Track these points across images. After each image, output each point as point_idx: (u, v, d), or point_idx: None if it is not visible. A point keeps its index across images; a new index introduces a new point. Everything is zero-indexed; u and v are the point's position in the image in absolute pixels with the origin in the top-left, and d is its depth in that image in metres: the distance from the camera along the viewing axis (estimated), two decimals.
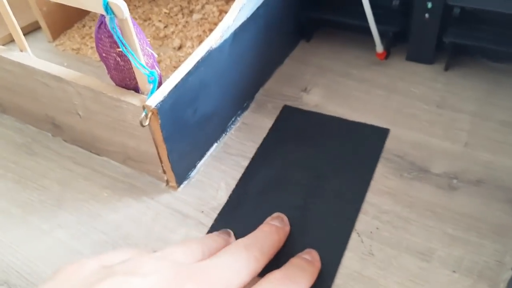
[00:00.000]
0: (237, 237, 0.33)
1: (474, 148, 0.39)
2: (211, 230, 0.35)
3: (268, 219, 0.34)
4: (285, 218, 0.34)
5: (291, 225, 0.34)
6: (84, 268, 0.25)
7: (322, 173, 0.38)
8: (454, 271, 0.31)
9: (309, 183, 0.37)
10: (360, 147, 0.39)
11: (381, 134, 0.40)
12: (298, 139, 0.41)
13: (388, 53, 0.48)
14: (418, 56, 0.47)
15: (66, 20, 0.56)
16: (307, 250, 0.32)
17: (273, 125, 0.43)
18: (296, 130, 0.42)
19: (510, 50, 0.42)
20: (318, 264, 0.31)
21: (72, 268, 0.25)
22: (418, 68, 0.47)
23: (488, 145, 0.39)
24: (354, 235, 0.34)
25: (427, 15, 0.43)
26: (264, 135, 0.42)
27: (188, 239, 0.30)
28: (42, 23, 0.55)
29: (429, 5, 0.43)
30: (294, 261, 0.31)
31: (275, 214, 0.34)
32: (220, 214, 0.36)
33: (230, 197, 0.37)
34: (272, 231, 0.32)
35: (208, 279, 0.26)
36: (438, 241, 0.33)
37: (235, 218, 0.36)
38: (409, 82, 0.45)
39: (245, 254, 0.28)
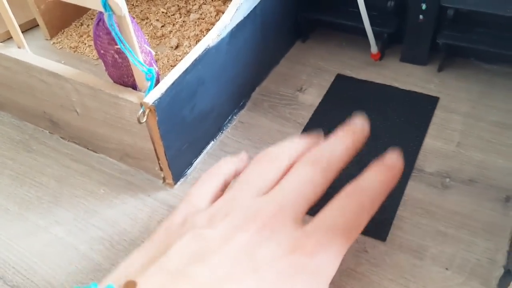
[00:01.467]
0: None
1: (466, 148, 0.39)
2: None
3: (346, 123, 0.33)
4: (363, 120, 0.33)
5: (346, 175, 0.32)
6: (173, 224, 0.28)
7: (376, 133, 0.39)
8: (446, 269, 0.32)
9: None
10: (412, 112, 0.42)
11: (431, 101, 0.43)
12: (352, 104, 0.44)
13: (382, 54, 0.48)
14: (412, 57, 0.47)
15: (64, 18, 0.57)
16: (390, 154, 0.31)
17: (327, 92, 0.46)
18: (349, 96, 0.45)
19: (503, 52, 0.43)
20: (399, 167, 0.30)
21: (165, 224, 0.29)
22: (412, 69, 0.47)
23: (480, 145, 0.39)
24: None
25: (421, 17, 0.44)
26: (261, 134, 0.42)
27: (266, 156, 0.31)
28: (40, 21, 0.55)
29: (424, 6, 0.43)
30: (373, 167, 0.30)
31: (353, 117, 0.33)
32: None
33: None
34: (346, 134, 0.32)
35: (275, 211, 0.27)
36: (431, 238, 0.33)
37: None
38: (403, 83, 0.46)
39: (309, 171, 0.29)
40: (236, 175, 0.32)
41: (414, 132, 0.41)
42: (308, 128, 0.42)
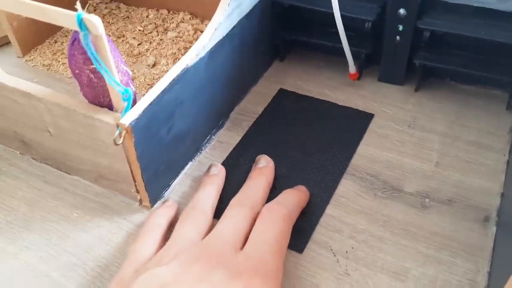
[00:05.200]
0: (231, 195, 0.36)
1: (444, 168, 0.40)
2: None
3: (253, 166, 0.39)
4: (267, 157, 0.39)
5: (277, 189, 0.38)
6: (124, 276, 0.30)
7: (309, 149, 0.42)
8: None
9: (296, 156, 0.41)
10: (346, 127, 0.44)
11: (366, 117, 0.45)
12: (291, 118, 0.45)
13: (360, 74, 0.49)
14: (389, 77, 0.48)
15: (37, 36, 0.55)
16: (296, 186, 0.38)
17: (268, 104, 0.47)
18: (288, 111, 0.46)
19: (477, 73, 0.43)
20: (306, 192, 0.37)
21: (116, 279, 0.31)
22: (389, 89, 0.48)
23: (457, 165, 0.40)
24: (329, 255, 0.34)
25: (398, 38, 0.45)
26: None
27: (194, 209, 0.35)
28: (12, 38, 0.53)
29: (400, 28, 0.44)
30: (285, 191, 0.36)
31: (258, 157, 0.40)
32: None
33: (223, 162, 0.41)
34: (258, 175, 0.37)
35: (215, 249, 0.31)
36: (412, 260, 0.33)
37: (228, 180, 0.39)
38: (381, 103, 0.46)
39: (240, 210, 0.34)
40: (170, 221, 0.35)
41: (346, 145, 0.42)
42: (245, 141, 0.43)
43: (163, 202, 0.37)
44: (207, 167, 0.41)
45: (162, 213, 0.36)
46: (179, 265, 0.29)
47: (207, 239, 0.32)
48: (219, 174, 0.39)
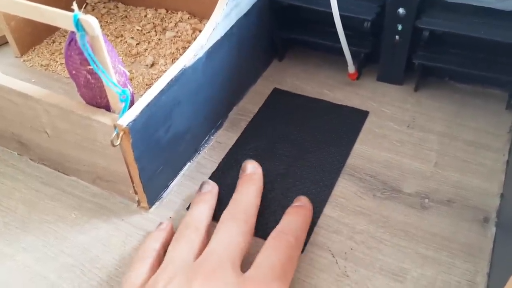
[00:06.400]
0: (230, 196, 0.36)
1: (443, 168, 0.39)
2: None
3: (241, 173, 0.38)
4: (254, 162, 0.38)
5: (275, 189, 0.38)
6: None
7: (305, 147, 0.42)
8: None
9: (293, 155, 0.41)
10: (342, 125, 0.44)
11: (361, 114, 0.45)
12: (285, 117, 0.45)
13: (359, 74, 0.49)
14: (388, 77, 0.48)
15: (35, 35, 0.55)
16: (297, 198, 0.36)
17: (263, 104, 0.46)
18: (284, 109, 0.46)
19: (477, 72, 0.43)
20: (309, 206, 0.36)
21: None
22: (388, 89, 0.48)
23: (456, 165, 0.40)
24: (328, 256, 0.34)
25: (397, 37, 0.44)
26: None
27: (187, 228, 0.33)
28: (10, 38, 0.53)
29: (399, 27, 0.44)
30: (288, 211, 0.35)
31: (243, 164, 0.38)
32: (211, 176, 0.40)
33: (220, 163, 0.41)
34: (247, 183, 0.36)
35: (212, 267, 0.29)
36: (411, 261, 0.33)
37: (225, 180, 0.39)
38: (380, 103, 0.46)
39: (234, 224, 0.33)
40: (165, 245, 0.33)
41: (341, 144, 0.42)
42: (242, 140, 0.43)
43: (158, 226, 0.35)
44: (205, 167, 0.41)
45: (156, 237, 0.34)
46: None
47: (202, 257, 0.30)
48: (211, 191, 0.37)
